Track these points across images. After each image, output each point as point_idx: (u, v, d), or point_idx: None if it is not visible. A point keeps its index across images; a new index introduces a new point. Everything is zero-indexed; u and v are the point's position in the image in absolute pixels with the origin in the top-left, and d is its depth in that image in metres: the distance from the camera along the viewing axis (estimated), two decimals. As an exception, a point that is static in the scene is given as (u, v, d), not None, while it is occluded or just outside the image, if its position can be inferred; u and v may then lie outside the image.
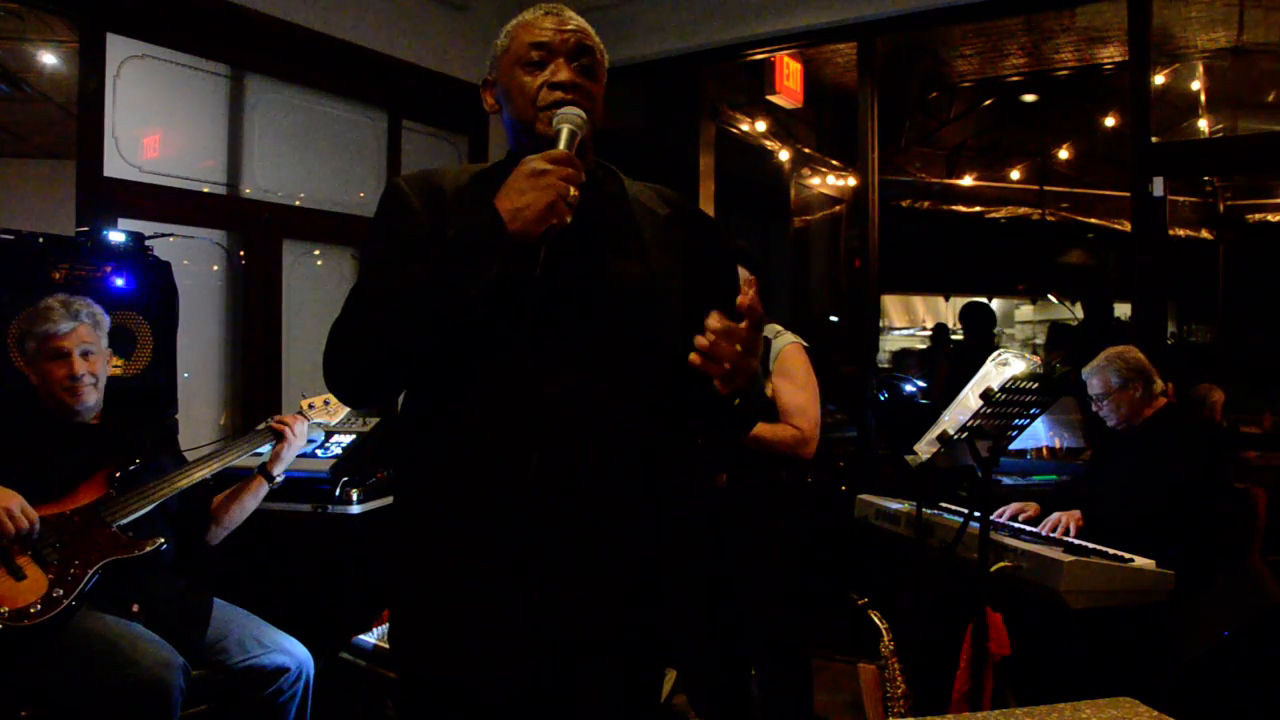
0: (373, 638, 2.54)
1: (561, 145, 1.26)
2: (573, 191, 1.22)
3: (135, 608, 2.15)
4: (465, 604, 1.23)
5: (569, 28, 1.35)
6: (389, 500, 2.92)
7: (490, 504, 1.23)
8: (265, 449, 2.49)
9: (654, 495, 1.31)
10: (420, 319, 1.22)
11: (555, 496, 1.23)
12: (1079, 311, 7.38)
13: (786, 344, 2.64)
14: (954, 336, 6.78)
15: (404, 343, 1.24)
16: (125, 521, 2.17)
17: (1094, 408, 2.98)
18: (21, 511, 1.99)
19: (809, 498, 2.71)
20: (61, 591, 2.00)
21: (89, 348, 2.27)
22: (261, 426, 2.51)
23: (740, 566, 2.51)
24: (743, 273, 2.69)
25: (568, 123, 1.28)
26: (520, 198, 1.21)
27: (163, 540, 2.20)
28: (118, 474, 2.23)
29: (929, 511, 2.69)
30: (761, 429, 2.49)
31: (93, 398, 2.29)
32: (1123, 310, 6.24)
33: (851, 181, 5.71)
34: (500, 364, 1.26)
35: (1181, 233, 6.36)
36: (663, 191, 1.45)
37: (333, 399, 2.60)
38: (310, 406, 2.58)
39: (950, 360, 5.82)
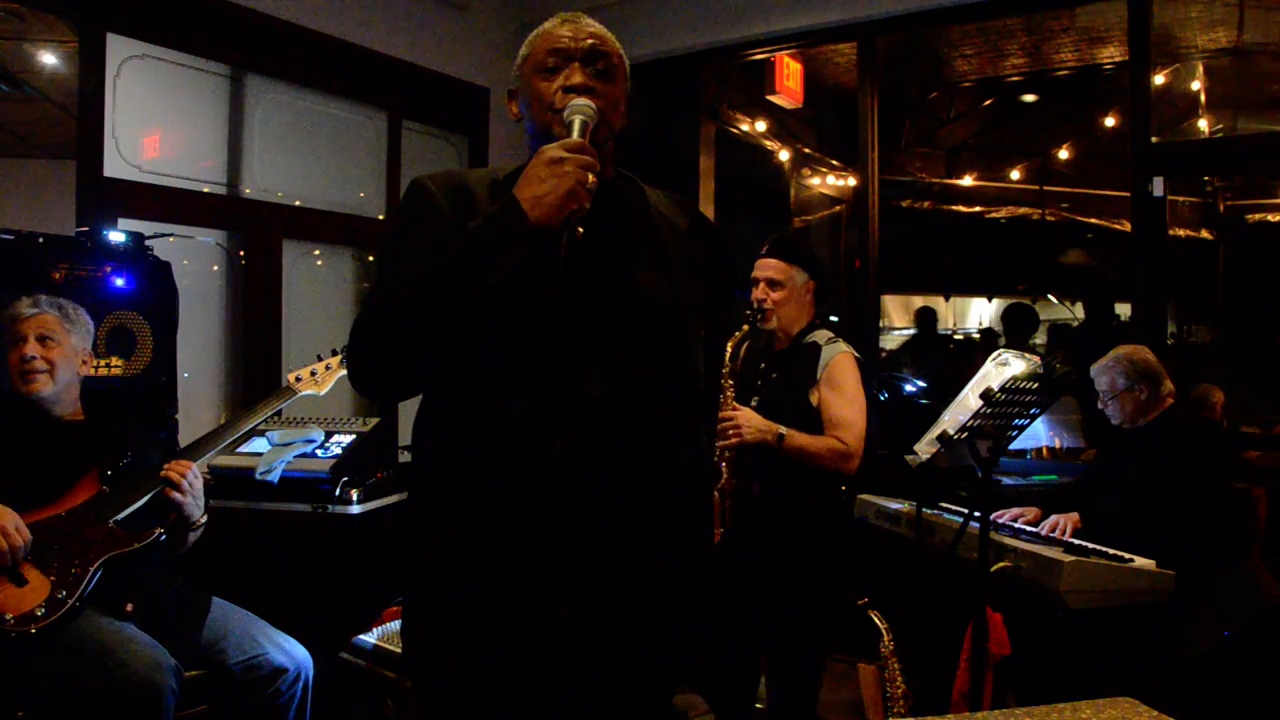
0: (373, 638, 2.54)
1: (575, 135, 1.27)
2: (590, 178, 1.22)
3: (129, 607, 2.14)
4: (484, 602, 1.24)
5: (584, 34, 1.37)
6: (389, 500, 2.92)
7: (511, 502, 1.24)
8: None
9: (673, 500, 1.32)
10: (443, 310, 1.22)
11: (576, 495, 1.24)
12: (1079, 311, 7.38)
13: (837, 353, 2.51)
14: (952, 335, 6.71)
15: (427, 336, 1.23)
16: (121, 517, 2.16)
17: (1099, 404, 2.97)
18: (15, 529, 1.98)
19: (844, 507, 2.63)
20: (65, 593, 2.00)
21: (49, 334, 2.25)
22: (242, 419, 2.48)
23: (767, 574, 2.46)
24: (800, 275, 2.57)
25: (579, 114, 1.29)
26: (540, 185, 1.21)
27: (161, 530, 2.19)
28: (109, 471, 2.22)
29: (929, 511, 2.68)
30: (803, 440, 2.40)
31: (47, 387, 2.24)
32: (1123, 310, 6.24)
33: (851, 181, 5.70)
34: (526, 363, 1.26)
35: (1181, 233, 6.34)
36: (680, 200, 1.48)
37: (319, 369, 2.59)
38: (297, 379, 2.58)
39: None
